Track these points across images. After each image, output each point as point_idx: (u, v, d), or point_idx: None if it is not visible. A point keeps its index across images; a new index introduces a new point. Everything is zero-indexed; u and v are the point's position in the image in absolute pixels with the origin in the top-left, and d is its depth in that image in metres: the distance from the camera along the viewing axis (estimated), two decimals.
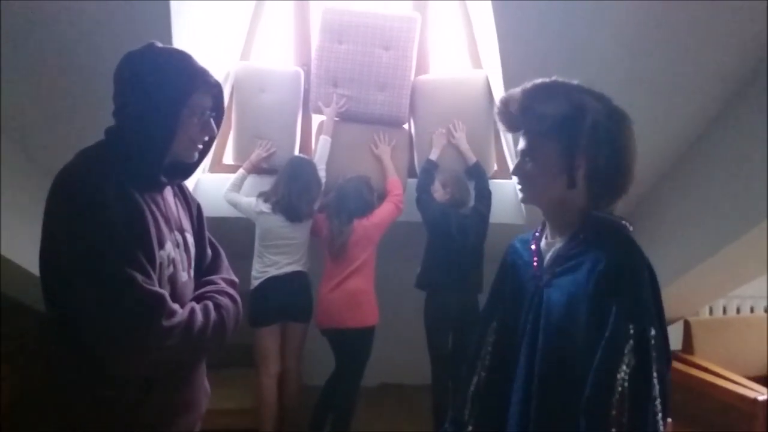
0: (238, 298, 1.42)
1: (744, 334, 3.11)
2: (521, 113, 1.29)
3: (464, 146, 2.98)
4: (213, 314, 1.30)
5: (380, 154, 3.02)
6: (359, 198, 2.87)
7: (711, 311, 3.53)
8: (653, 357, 1.17)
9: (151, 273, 1.18)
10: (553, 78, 1.29)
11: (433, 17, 3.19)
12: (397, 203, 2.91)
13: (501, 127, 1.36)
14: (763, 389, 2.50)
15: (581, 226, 1.30)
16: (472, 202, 2.94)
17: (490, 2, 2.31)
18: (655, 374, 1.17)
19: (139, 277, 1.14)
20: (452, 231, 2.81)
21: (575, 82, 1.29)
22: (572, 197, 1.29)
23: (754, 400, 2.41)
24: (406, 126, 3.16)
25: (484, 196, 2.93)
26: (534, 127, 1.30)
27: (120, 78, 1.26)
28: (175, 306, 1.20)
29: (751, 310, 3.58)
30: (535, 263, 1.38)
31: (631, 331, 1.17)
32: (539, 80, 1.29)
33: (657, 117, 2.32)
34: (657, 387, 1.17)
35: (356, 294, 2.83)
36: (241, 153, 3.14)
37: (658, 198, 2.60)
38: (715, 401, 2.60)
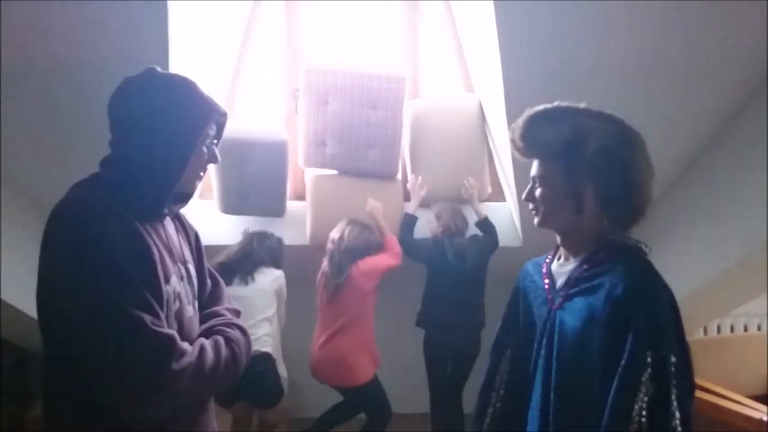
0: (246, 328, 1.37)
1: (742, 353, 3.12)
2: (523, 141, 1.29)
3: (475, 203, 2.93)
4: (224, 350, 1.24)
5: (373, 212, 2.88)
6: (365, 237, 2.76)
7: (705, 331, 3.53)
8: (673, 385, 1.14)
9: (159, 312, 1.11)
10: (556, 103, 1.28)
11: (424, 41, 3.20)
12: (396, 257, 2.77)
13: (516, 154, 1.35)
14: (766, 409, 2.48)
15: (596, 248, 1.28)
16: (469, 232, 2.90)
17: (485, 24, 2.32)
18: (675, 403, 1.13)
19: (148, 318, 1.08)
20: (449, 258, 2.76)
21: (582, 105, 1.28)
22: (586, 220, 1.27)
23: (760, 421, 2.39)
24: (399, 176, 3.12)
25: (492, 243, 2.86)
26: (537, 153, 1.30)
27: (122, 105, 1.19)
28: (185, 345, 1.14)
29: (745, 329, 3.59)
30: (546, 286, 1.35)
31: (649, 359, 1.14)
32: (541, 107, 1.29)
33: (655, 139, 2.32)
34: (678, 416, 1.13)
35: (345, 355, 2.69)
36: (228, 207, 3.05)
37: (658, 220, 2.59)
38: (718, 422, 2.57)
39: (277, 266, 2.82)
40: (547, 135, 1.26)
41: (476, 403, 1.48)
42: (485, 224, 2.90)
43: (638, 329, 1.16)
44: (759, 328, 3.57)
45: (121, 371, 1.06)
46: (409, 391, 3.10)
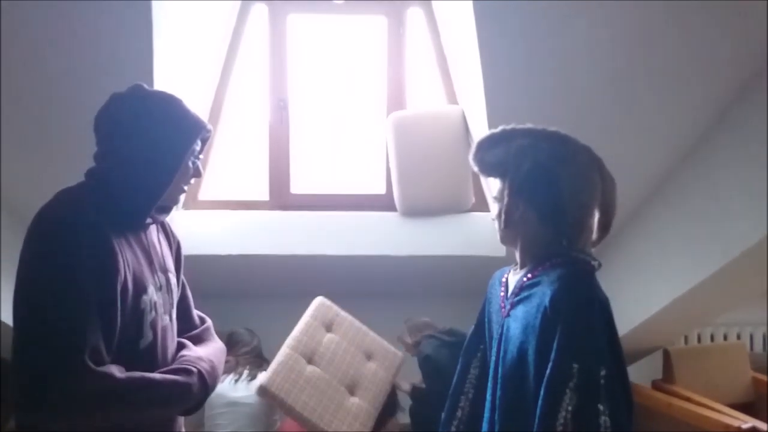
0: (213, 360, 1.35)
1: (723, 361, 3.15)
2: (475, 164, 1.40)
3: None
4: (172, 384, 1.21)
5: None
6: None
7: (686, 340, 3.57)
8: (601, 397, 1.15)
9: (100, 335, 1.10)
10: (501, 127, 1.37)
11: (409, 53, 3.24)
12: None
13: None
14: (745, 417, 2.52)
15: (540, 259, 1.34)
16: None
17: (468, 36, 2.36)
18: (605, 418, 1.15)
19: (90, 341, 1.07)
20: (447, 340, 2.66)
21: (527, 125, 1.36)
22: (534, 236, 1.34)
23: (738, 429, 2.42)
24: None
25: None
26: (487, 175, 1.43)
27: (110, 122, 1.23)
28: (116, 373, 1.11)
29: (725, 338, 3.63)
30: (502, 293, 1.42)
31: (574, 370, 1.16)
32: (489, 131, 1.39)
33: (637, 149, 2.38)
34: (607, 430, 1.14)
35: None
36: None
37: (637, 228, 2.64)
38: (698, 430, 2.61)
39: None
40: (489, 158, 1.38)
41: (446, 406, 1.52)
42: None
43: (562, 338, 1.19)
44: (739, 337, 3.61)
45: (37, 384, 1.05)
46: None
